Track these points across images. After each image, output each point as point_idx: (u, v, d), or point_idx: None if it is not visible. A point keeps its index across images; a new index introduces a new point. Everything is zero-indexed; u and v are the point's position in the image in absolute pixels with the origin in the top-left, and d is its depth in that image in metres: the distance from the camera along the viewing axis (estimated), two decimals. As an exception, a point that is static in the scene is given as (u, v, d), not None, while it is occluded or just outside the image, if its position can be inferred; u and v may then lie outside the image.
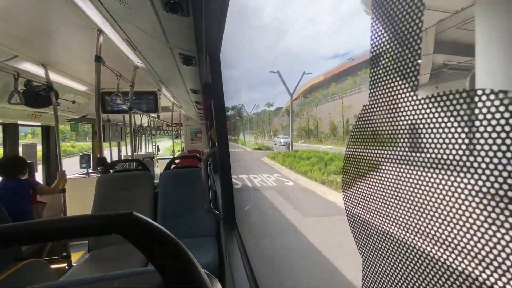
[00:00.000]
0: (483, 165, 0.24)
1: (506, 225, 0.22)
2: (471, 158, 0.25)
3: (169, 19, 1.25)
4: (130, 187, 2.41)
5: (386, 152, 0.39)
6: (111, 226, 0.38)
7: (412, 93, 0.33)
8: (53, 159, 3.68)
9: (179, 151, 8.46)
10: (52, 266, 2.03)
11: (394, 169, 0.38)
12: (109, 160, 4.26)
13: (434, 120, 0.30)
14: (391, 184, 0.38)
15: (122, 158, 6.04)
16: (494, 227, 0.23)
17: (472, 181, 0.26)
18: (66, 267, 2.69)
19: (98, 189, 2.36)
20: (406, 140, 0.36)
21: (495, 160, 0.22)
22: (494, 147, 0.22)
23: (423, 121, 0.32)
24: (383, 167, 0.40)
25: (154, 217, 2.39)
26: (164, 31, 1.44)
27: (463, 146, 0.27)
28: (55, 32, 1.85)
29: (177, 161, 4.21)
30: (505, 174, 0.22)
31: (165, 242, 0.41)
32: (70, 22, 1.69)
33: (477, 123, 0.24)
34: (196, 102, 4.18)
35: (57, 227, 0.38)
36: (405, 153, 0.36)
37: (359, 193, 0.46)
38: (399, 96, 0.36)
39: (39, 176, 3.64)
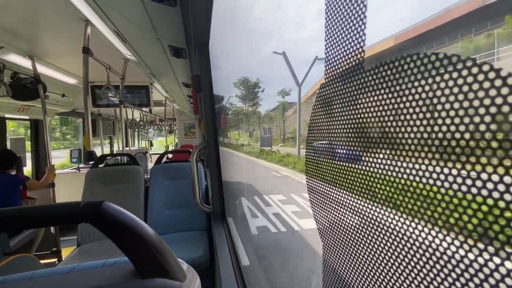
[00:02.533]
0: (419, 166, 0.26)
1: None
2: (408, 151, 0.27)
3: (156, 9, 1.22)
4: (120, 181, 2.38)
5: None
6: (80, 215, 0.37)
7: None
8: (42, 153, 3.62)
9: (173, 147, 8.41)
10: (42, 261, 2.01)
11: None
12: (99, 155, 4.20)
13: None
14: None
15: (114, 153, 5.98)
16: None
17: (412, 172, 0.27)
18: (56, 262, 2.66)
19: (87, 183, 2.33)
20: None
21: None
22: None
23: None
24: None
25: (144, 211, 2.38)
26: (152, 22, 1.42)
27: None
28: (42, 22, 1.80)
29: (170, 156, 4.18)
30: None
31: (137, 231, 0.40)
32: (57, 12, 1.64)
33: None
34: (189, 96, 4.14)
35: (25, 215, 0.37)
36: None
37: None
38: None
39: (27, 171, 3.59)
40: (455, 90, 0.21)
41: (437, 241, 0.25)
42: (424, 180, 0.25)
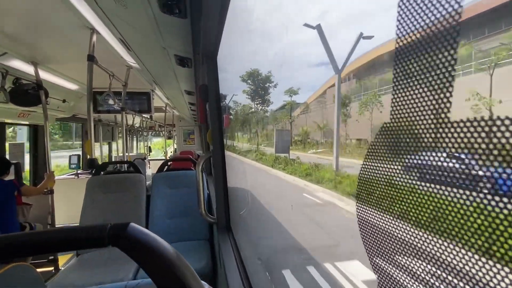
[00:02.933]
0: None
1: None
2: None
3: (165, 20, 1.23)
4: (121, 189, 2.36)
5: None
6: (107, 238, 0.36)
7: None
8: (41, 159, 3.58)
9: (171, 152, 8.37)
10: (38, 270, 1.97)
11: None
12: (99, 161, 4.16)
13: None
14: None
15: (113, 159, 5.93)
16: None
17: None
18: (53, 271, 2.61)
19: (88, 191, 2.31)
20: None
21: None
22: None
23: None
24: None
25: (146, 220, 2.35)
26: (160, 32, 1.42)
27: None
28: (47, 29, 1.80)
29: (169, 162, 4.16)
30: None
31: (163, 254, 0.39)
32: (62, 20, 1.65)
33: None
34: (190, 104, 4.15)
35: (48, 240, 0.37)
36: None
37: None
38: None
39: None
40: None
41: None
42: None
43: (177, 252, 0.42)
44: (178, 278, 0.40)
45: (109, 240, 0.36)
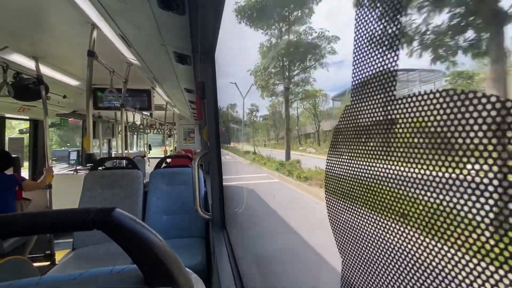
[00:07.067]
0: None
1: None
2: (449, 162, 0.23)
3: (164, 16, 1.24)
4: (118, 185, 2.36)
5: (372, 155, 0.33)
6: (92, 221, 0.37)
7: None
8: (40, 154, 3.59)
9: (171, 150, 8.39)
10: (35, 264, 1.97)
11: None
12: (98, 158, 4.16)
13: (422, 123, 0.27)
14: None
15: (113, 156, 5.94)
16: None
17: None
18: (50, 265, 2.62)
19: (86, 186, 2.31)
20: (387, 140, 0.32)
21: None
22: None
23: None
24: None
25: (142, 216, 2.35)
26: (159, 29, 1.43)
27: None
28: (48, 24, 1.82)
29: (168, 160, 4.17)
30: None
31: (147, 239, 0.40)
32: (63, 15, 1.66)
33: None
34: (190, 102, 4.16)
35: (35, 221, 0.37)
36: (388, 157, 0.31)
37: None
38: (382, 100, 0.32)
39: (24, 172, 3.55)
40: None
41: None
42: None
43: (162, 240, 0.43)
44: (162, 263, 0.40)
45: (94, 223, 0.37)
